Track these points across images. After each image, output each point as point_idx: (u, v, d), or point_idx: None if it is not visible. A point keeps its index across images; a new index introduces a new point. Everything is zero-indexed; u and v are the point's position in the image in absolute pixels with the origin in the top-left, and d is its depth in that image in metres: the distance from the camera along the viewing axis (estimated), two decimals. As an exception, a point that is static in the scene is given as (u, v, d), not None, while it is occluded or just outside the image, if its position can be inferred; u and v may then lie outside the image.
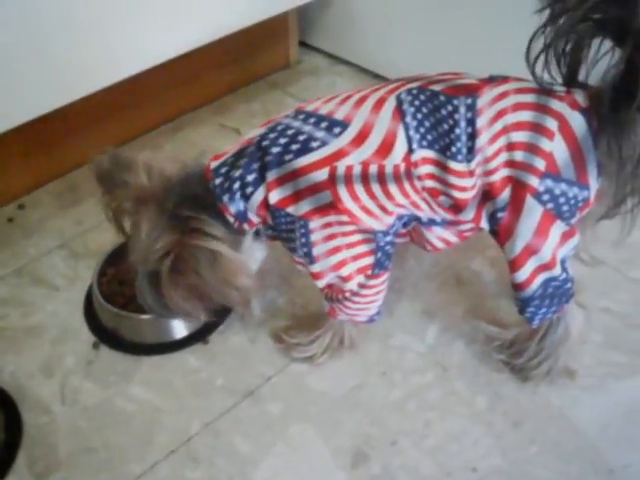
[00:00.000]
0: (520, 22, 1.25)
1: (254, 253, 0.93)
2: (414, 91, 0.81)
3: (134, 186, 0.87)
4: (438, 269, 1.16)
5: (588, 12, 0.71)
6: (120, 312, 1.05)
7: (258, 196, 0.84)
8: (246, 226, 0.88)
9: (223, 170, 0.86)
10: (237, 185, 0.84)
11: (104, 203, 0.91)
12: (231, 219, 0.86)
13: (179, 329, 1.06)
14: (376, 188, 0.82)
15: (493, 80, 0.81)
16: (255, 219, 0.87)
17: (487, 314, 1.07)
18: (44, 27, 1.08)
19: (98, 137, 1.43)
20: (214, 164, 0.87)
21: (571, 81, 0.80)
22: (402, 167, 0.80)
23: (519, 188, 0.79)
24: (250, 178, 0.84)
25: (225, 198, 0.85)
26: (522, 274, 0.84)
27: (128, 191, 0.87)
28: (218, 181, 0.85)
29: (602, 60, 0.75)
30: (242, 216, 0.86)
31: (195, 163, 0.89)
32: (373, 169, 0.81)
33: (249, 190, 0.84)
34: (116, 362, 1.04)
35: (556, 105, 0.78)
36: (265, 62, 1.70)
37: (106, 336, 1.07)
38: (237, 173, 0.84)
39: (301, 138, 0.83)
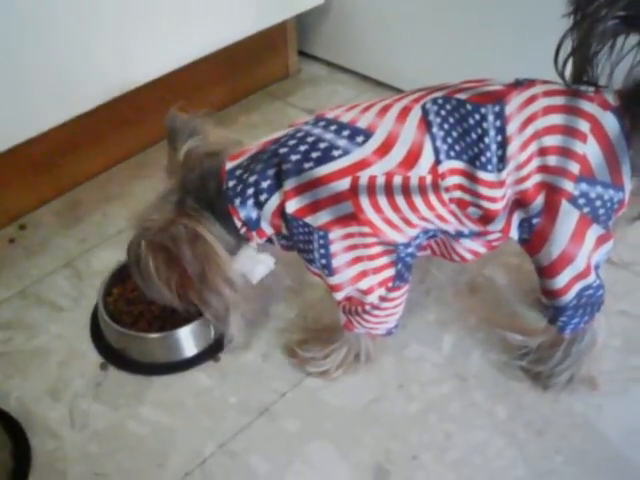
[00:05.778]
0: (521, 25, 1.27)
1: (254, 266, 0.91)
2: (439, 100, 0.79)
3: (175, 157, 0.89)
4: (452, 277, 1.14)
5: (618, 10, 0.70)
6: (128, 331, 1.02)
7: (272, 203, 0.83)
8: (255, 235, 0.86)
9: (237, 173, 0.84)
10: (251, 191, 0.83)
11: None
12: (239, 224, 0.85)
13: (189, 347, 1.03)
14: (400, 200, 0.80)
15: (519, 84, 0.79)
16: (267, 229, 0.86)
17: (504, 322, 1.04)
18: (50, 42, 1.08)
19: (98, 153, 1.41)
20: (229, 165, 0.85)
21: (584, 80, 0.78)
22: (428, 179, 0.78)
23: (554, 193, 0.77)
24: (265, 185, 0.82)
25: (237, 202, 0.83)
26: (558, 282, 0.82)
27: (172, 157, 0.90)
28: (231, 184, 0.84)
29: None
30: (252, 223, 0.85)
31: (216, 159, 0.88)
32: (397, 180, 0.79)
33: (263, 197, 0.82)
34: (125, 383, 1.01)
35: (587, 106, 0.76)
36: (265, 73, 1.68)
37: (114, 357, 1.05)
38: (252, 178, 0.82)
39: (322, 146, 0.81)
